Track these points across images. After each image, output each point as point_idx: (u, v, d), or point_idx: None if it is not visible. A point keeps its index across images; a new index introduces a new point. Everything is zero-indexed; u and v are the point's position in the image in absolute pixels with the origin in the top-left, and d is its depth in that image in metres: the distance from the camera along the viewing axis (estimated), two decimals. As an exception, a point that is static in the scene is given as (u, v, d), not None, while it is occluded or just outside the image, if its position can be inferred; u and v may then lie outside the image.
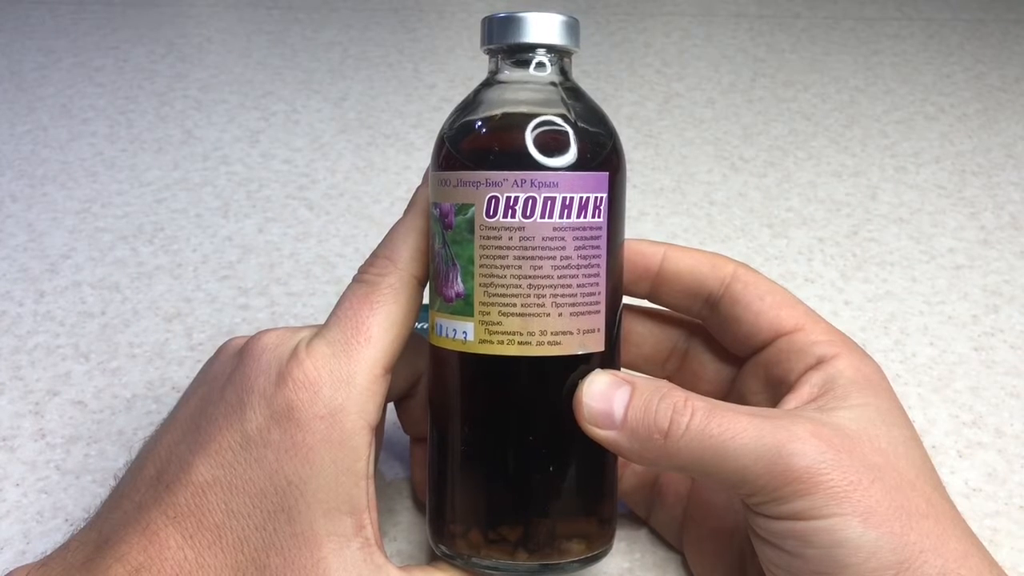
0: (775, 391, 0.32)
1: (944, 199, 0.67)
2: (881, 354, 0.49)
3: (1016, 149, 0.75)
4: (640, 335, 0.35)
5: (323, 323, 0.31)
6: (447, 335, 0.30)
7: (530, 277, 0.28)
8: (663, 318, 0.36)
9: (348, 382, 0.28)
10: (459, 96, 0.32)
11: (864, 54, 0.95)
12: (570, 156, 0.29)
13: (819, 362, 0.30)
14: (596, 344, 0.30)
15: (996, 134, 0.77)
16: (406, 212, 0.32)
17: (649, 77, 0.88)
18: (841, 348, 0.31)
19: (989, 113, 0.81)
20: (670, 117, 0.79)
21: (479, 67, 0.33)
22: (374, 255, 0.31)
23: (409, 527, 0.38)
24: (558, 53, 0.31)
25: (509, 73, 0.31)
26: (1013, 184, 0.69)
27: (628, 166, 0.32)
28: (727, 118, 0.79)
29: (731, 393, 0.34)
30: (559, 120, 0.29)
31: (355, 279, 0.31)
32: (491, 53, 0.32)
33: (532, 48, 0.31)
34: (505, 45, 0.31)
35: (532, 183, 0.28)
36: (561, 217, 0.29)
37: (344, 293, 0.31)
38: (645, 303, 0.35)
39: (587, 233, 0.29)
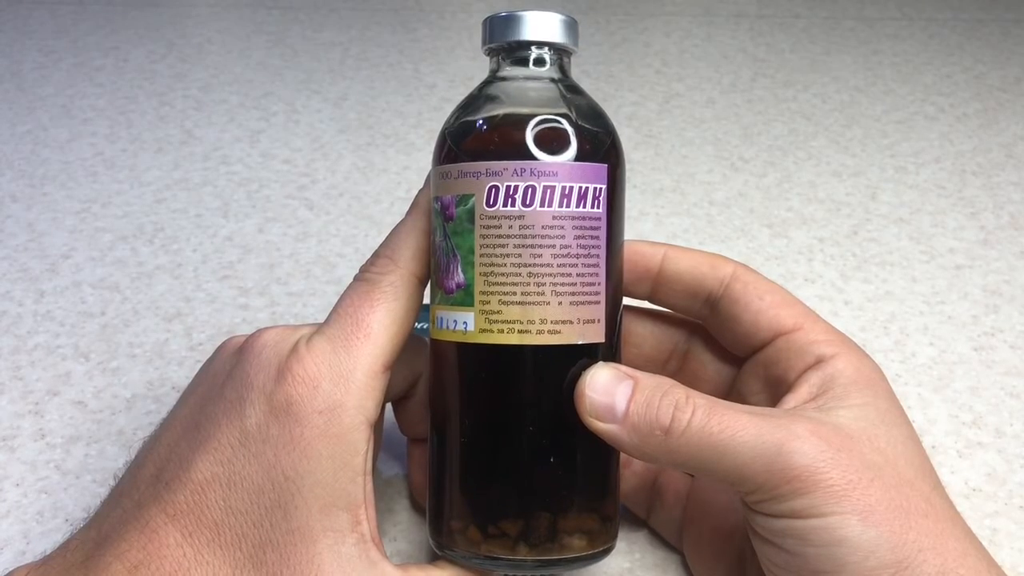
0: (775, 390, 0.32)
1: (944, 199, 0.67)
2: (881, 354, 0.49)
3: (1016, 149, 0.75)
4: (640, 336, 0.35)
5: (323, 321, 0.31)
6: (447, 327, 0.30)
7: (530, 265, 0.29)
8: (663, 318, 0.36)
9: (347, 378, 0.29)
10: (459, 96, 0.32)
11: (864, 54, 0.95)
12: (570, 147, 0.29)
13: (818, 362, 0.30)
14: (596, 335, 0.30)
15: (996, 134, 0.77)
16: (408, 213, 0.32)
17: (649, 77, 0.88)
18: (840, 348, 0.31)
19: (989, 113, 0.81)
20: (670, 117, 0.79)
21: (479, 67, 0.33)
22: (375, 254, 0.31)
23: (409, 526, 0.38)
24: (557, 51, 0.31)
25: (510, 71, 0.31)
26: (1013, 184, 0.69)
27: (628, 166, 0.32)
28: (727, 118, 0.79)
29: (731, 393, 0.34)
30: (559, 113, 0.30)
31: (356, 278, 0.31)
32: (492, 52, 0.32)
33: (532, 46, 0.31)
34: (505, 43, 0.31)
35: (532, 172, 0.29)
36: (560, 206, 0.29)
37: (345, 291, 0.31)
38: (645, 304, 0.35)
39: (586, 223, 0.29)
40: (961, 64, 0.93)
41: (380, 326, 0.30)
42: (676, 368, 0.36)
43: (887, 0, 1.13)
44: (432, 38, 0.99)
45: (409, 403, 0.36)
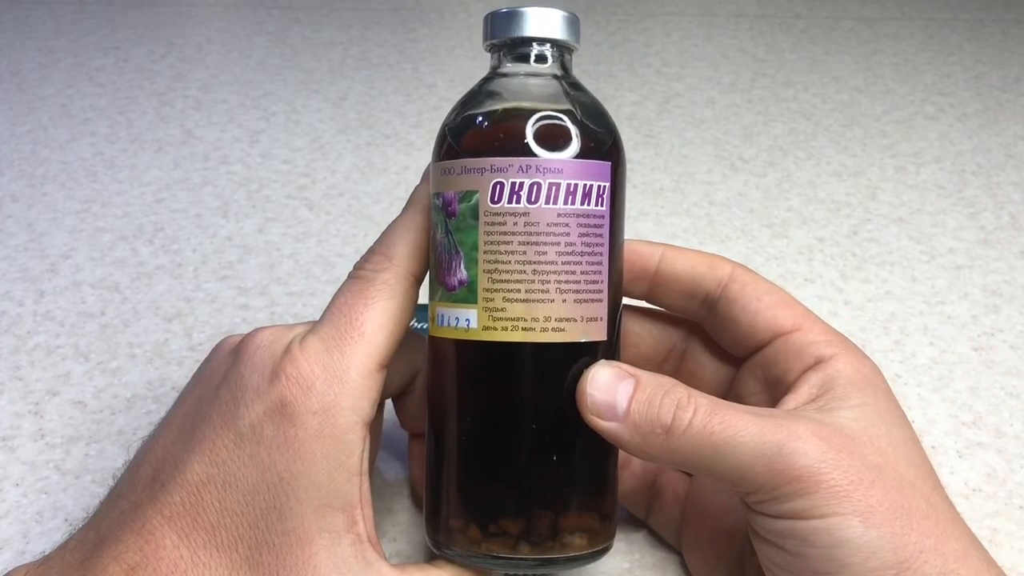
0: (773, 391, 0.31)
1: (944, 199, 0.67)
2: (881, 354, 0.49)
3: (1016, 149, 0.75)
4: (638, 335, 0.35)
5: (318, 319, 0.30)
6: (449, 324, 0.30)
7: (534, 263, 0.29)
8: (661, 318, 0.36)
9: (341, 378, 0.28)
10: (459, 96, 0.32)
11: (864, 54, 0.95)
12: (574, 144, 0.29)
13: (817, 362, 0.30)
14: (599, 333, 0.30)
15: (996, 134, 0.77)
16: (404, 209, 0.32)
17: (649, 77, 0.88)
18: (839, 348, 0.31)
19: (989, 113, 0.81)
20: (670, 117, 0.79)
21: (479, 67, 0.33)
22: (370, 251, 0.31)
23: (408, 527, 0.38)
24: (559, 48, 0.31)
25: (511, 67, 0.31)
26: (1013, 184, 0.69)
27: (628, 166, 0.32)
28: (727, 118, 0.79)
29: (729, 393, 0.34)
30: (563, 109, 0.30)
31: (350, 275, 0.31)
32: (493, 49, 0.32)
33: (534, 42, 0.31)
34: (508, 39, 0.31)
35: (537, 169, 0.28)
36: (565, 203, 0.29)
37: (339, 289, 0.31)
38: (643, 303, 0.35)
39: (590, 221, 0.29)
40: (961, 64, 0.93)
41: (375, 325, 0.29)
42: (674, 368, 0.36)
43: (887, 0, 1.13)
44: (432, 38, 0.99)
45: (409, 399, 0.36)
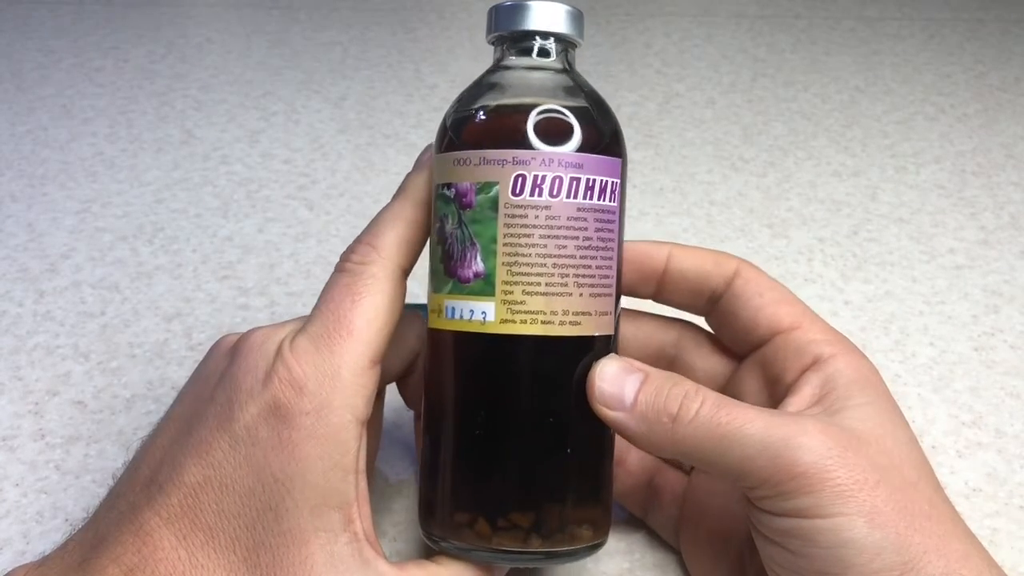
0: (772, 390, 0.31)
1: (944, 199, 0.67)
2: (881, 354, 0.49)
3: (1016, 149, 0.75)
4: (624, 338, 0.35)
5: (308, 316, 0.30)
6: (462, 317, 0.29)
7: (555, 256, 0.29)
8: (648, 320, 0.35)
9: (333, 377, 0.28)
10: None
11: (864, 54, 0.95)
12: (593, 139, 0.29)
13: (815, 361, 0.30)
14: (608, 327, 0.30)
15: (996, 134, 0.77)
16: (394, 198, 0.31)
17: (649, 77, 0.88)
18: (838, 348, 0.31)
19: (989, 113, 0.81)
20: (670, 117, 0.79)
21: (480, 67, 0.33)
22: (357, 241, 0.31)
23: (408, 526, 0.38)
24: (563, 43, 0.31)
25: (515, 60, 0.31)
26: (1013, 184, 0.69)
27: (628, 166, 0.32)
28: (727, 118, 0.79)
29: (726, 394, 0.34)
30: (581, 106, 0.30)
31: (337, 267, 0.31)
32: (497, 41, 0.32)
33: (539, 35, 0.31)
34: (513, 32, 0.31)
35: (560, 163, 0.29)
36: (584, 198, 0.29)
37: (327, 283, 0.30)
38: (634, 305, 0.35)
39: (604, 216, 0.30)
40: (961, 64, 0.93)
41: (363, 321, 0.29)
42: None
43: (887, 0, 1.13)
44: (432, 38, 0.99)
45: (411, 379, 0.35)
